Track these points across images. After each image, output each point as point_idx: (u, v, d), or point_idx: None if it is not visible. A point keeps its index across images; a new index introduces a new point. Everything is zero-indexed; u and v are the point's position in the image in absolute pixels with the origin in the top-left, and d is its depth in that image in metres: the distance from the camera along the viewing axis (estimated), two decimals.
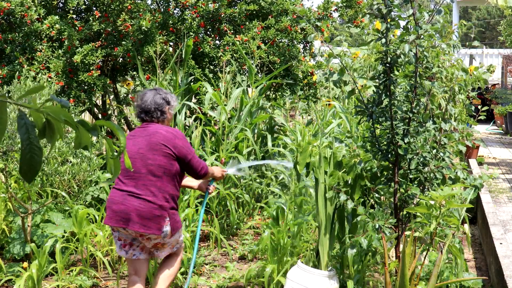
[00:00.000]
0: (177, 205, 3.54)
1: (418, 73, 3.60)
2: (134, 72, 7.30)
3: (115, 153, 1.40)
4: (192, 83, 6.78)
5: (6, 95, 5.06)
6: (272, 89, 7.68)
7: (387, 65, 3.59)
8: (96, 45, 6.41)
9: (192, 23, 6.94)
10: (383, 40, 3.56)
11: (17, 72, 6.09)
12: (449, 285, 4.03)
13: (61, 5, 7.08)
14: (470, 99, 5.94)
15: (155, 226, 3.36)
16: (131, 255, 3.51)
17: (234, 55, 7.07)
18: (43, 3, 6.80)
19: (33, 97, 1.25)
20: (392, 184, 3.74)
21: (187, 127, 6.76)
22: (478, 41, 3.99)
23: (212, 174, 3.75)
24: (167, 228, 3.41)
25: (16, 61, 6.34)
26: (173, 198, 3.47)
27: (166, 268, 3.66)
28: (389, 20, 3.53)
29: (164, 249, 3.55)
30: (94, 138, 5.69)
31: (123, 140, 1.38)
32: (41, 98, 4.70)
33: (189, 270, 3.90)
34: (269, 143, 6.35)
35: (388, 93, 3.62)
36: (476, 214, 6.25)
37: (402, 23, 3.62)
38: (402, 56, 3.52)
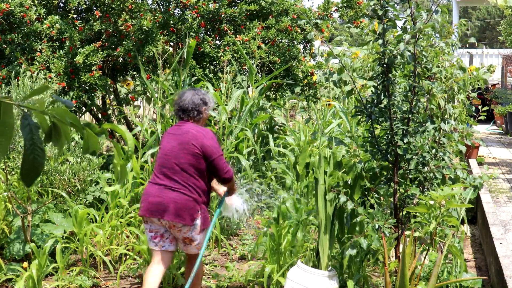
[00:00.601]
0: (208, 200, 3.76)
1: (416, 73, 3.60)
2: (135, 72, 7.31)
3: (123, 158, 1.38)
4: (193, 83, 6.79)
5: (7, 95, 5.07)
6: (272, 89, 7.69)
7: (385, 65, 3.59)
8: (97, 45, 6.42)
9: (193, 23, 6.95)
10: (380, 41, 3.56)
11: (14, 72, 6.08)
12: (449, 285, 4.04)
13: (61, 4, 7.08)
14: (470, 99, 5.94)
15: (189, 218, 3.57)
16: (160, 246, 3.67)
17: (235, 55, 7.08)
18: (43, 2, 6.80)
19: (39, 99, 1.22)
20: (392, 184, 3.74)
21: None
22: (475, 37, 4.00)
23: (233, 185, 3.88)
24: (198, 221, 3.61)
25: (16, 62, 6.34)
26: (204, 193, 3.68)
27: (192, 269, 3.75)
28: (386, 20, 3.53)
29: (191, 245, 3.69)
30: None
31: (131, 144, 1.38)
32: (43, 98, 4.69)
33: (193, 269, 3.89)
34: (271, 143, 6.35)
35: (386, 94, 3.62)
36: (476, 214, 6.25)
37: (401, 24, 3.62)
38: (399, 56, 3.52)
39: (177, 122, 3.80)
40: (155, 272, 3.62)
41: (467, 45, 20.21)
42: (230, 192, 3.93)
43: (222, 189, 3.95)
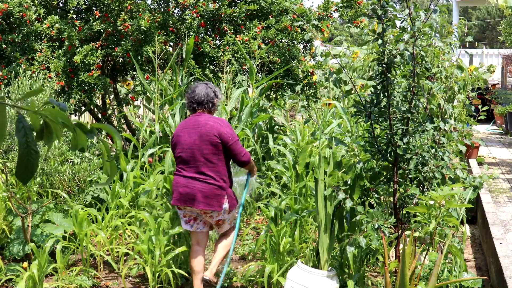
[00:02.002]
0: (231, 181, 4.13)
1: (415, 73, 3.59)
2: (134, 72, 7.30)
3: (111, 156, 1.40)
4: (192, 83, 6.78)
5: (6, 95, 5.07)
6: (272, 89, 7.69)
7: (384, 65, 3.58)
8: (96, 45, 6.41)
9: (192, 23, 6.94)
10: (380, 41, 3.56)
11: (14, 72, 6.08)
12: (449, 285, 4.04)
13: (61, 5, 7.08)
14: (470, 99, 5.94)
15: (216, 204, 3.97)
16: (195, 228, 4.12)
17: (235, 55, 7.07)
18: (43, 3, 6.80)
19: (32, 100, 1.26)
20: (392, 184, 3.74)
21: None
22: (472, 36, 3.99)
23: (253, 167, 4.23)
24: (226, 205, 4.01)
25: (16, 62, 6.34)
26: (228, 177, 4.06)
27: (223, 239, 4.24)
28: (385, 20, 3.53)
29: (224, 225, 4.16)
30: (95, 138, 5.69)
31: (119, 144, 1.40)
32: (42, 98, 4.70)
33: (227, 259, 4.23)
34: (271, 142, 6.36)
35: (386, 93, 3.62)
36: (476, 214, 6.25)
37: (401, 24, 3.62)
38: (398, 56, 3.52)
39: (192, 114, 4.12)
40: (197, 252, 4.09)
41: (467, 45, 20.20)
42: (251, 174, 4.31)
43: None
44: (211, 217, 4.07)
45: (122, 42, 6.45)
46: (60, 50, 6.43)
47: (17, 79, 4.92)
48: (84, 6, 6.90)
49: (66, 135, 5.07)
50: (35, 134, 1.27)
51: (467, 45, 20.23)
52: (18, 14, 6.37)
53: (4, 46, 6.49)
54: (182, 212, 4.11)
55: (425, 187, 3.74)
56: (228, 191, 4.04)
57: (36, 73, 5.81)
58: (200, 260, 4.11)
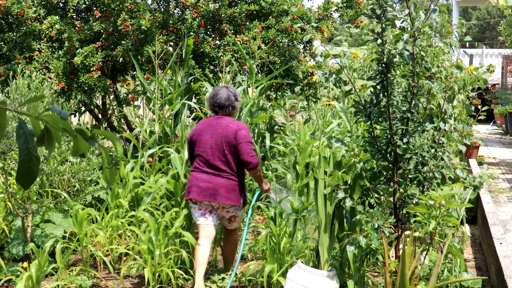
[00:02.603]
0: (244, 180, 4.38)
1: (415, 73, 3.59)
2: (134, 72, 7.31)
3: (112, 162, 1.40)
4: (192, 83, 6.78)
5: (6, 95, 5.06)
6: (272, 89, 7.69)
7: (384, 65, 3.58)
8: (97, 46, 6.41)
9: (193, 23, 6.94)
10: (379, 41, 3.56)
11: (12, 72, 6.08)
12: (449, 285, 4.03)
13: (61, 5, 7.08)
14: (470, 99, 5.94)
15: (236, 198, 4.23)
16: (210, 221, 4.29)
17: (235, 55, 7.07)
18: (43, 3, 6.80)
19: (33, 105, 1.26)
20: (392, 184, 3.74)
21: (187, 126, 6.75)
22: (470, 35, 3.99)
23: (260, 178, 4.35)
24: (242, 200, 4.29)
25: (13, 61, 6.34)
26: (244, 176, 4.32)
27: (230, 240, 4.54)
28: (384, 20, 3.53)
29: (235, 222, 4.40)
30: None
31: (120, 150, 1.40)
32: (43, 101, 4.69)
33: (235, 264, 4.34)
34: (267, 142, 6.35)
35: (386, 93, 3.62)
36: (476, 214, 6.25)
37: (400, 24, 3.62)
38: (397, 56, 3.52)
39: (213, 115, 4.36)
40: (205, 244, 4.20)
41: (467, 45, 20.19)
42: (261, 187, 4.41)
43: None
44: (227, 212, 4.28)
45: (123, 42, 6.45)
46: (60, 51, 6.43)
47: (14, 79, 4.91)
48: (84, 5, 6.90)
49: (66, 134, 5.06)
50: (35, 139, 1.26)
51: (467, 45, 20.23)
52: (15, 12, 6.36)
53: (3, 45, 6.49)
54: (197, 206, 4.26)
55: (425, 187, 3.74)
56: (243, 187, 4.31)
57: (35, 72, 5.80)
58: (206, 252, 4.19)
